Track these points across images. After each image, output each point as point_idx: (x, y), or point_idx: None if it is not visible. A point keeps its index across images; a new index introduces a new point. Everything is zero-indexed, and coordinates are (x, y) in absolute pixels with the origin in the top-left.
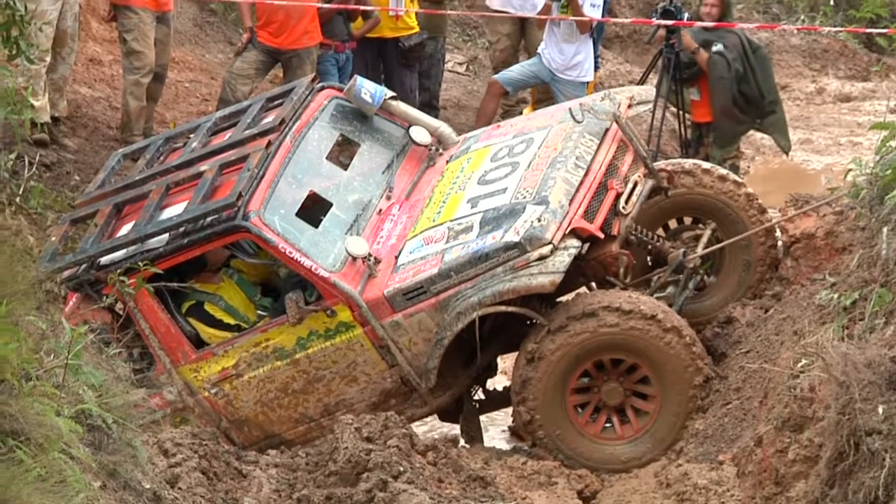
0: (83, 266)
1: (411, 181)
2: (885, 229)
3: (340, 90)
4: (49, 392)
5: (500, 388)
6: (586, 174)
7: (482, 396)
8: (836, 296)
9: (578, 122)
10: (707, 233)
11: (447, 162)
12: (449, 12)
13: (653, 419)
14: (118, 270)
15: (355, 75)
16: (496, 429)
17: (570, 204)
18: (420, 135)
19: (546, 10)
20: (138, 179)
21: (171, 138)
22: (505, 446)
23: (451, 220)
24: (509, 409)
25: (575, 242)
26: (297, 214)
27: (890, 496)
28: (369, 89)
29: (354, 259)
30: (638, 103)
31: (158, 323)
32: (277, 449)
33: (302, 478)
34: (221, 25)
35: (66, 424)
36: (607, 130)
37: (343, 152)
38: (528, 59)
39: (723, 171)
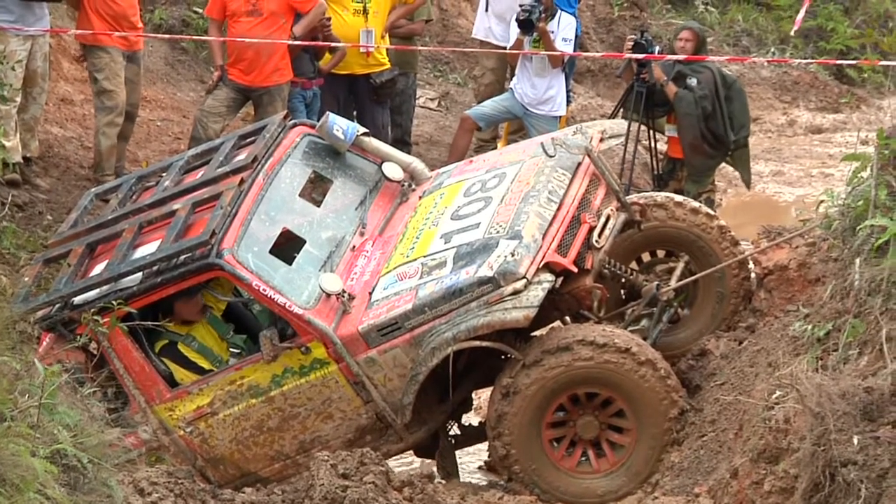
0: (56, 306)
1: (384, 217)
2: (857, 260)
3: (312, 127)
4: (24, 432)
5: (475, 423)
6: (559, 208)
7: (458, 431)
8: (809, 327)
9: (551, 157)
10: (680, 265)
11: (420, 197)
12: (420, 48)
13: (628, 452)
14: (91, 310)
15: (327, 112)
16: (472, 464)
17: (543, 238)
18: (393, 171)
19: (518, 45)
20: (111, 219)
21: (143, 177)
22: (481, 481)
23: (424, 256)
24: (485, 444)
25: (549, 277)
26: (271, 252)
27: None
28: (341, 126)
29: (328, 296)
30: (609, 137)
31: (132, 362)
32: (253, 487)
33: None
34: (192, 64)
35: (41, 465)
36: (579, 164)
37: (316, 189)
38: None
39: (695, 204)
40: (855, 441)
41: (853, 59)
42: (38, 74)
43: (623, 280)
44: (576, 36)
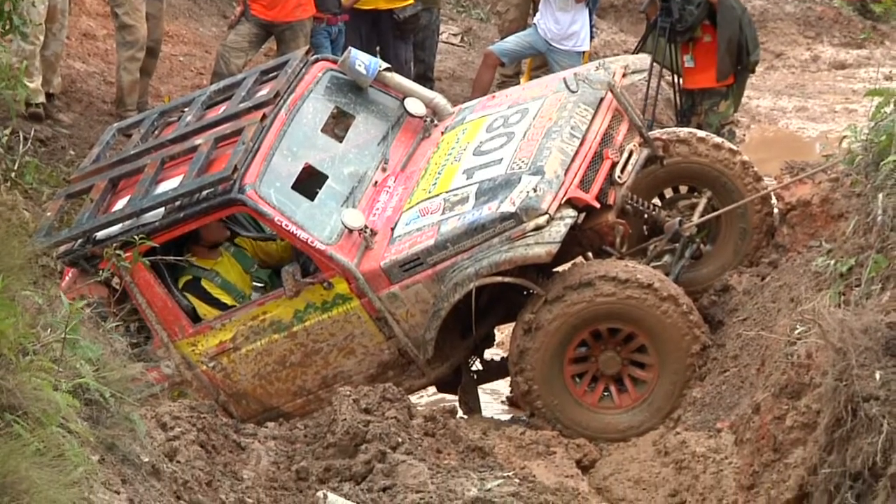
0: (79, 241)
1: (407, 153)
2: (880, 195)
3: (335, 62)
4: (46, 367)
5: (497, 359)
6: (581, 144)
7: (480, 367)
8: (832, 262)
9: (573, 92)
10: (703, 201)
11: (442, 133)
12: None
13: (650, 388)
14: (114, 245)
15: (349, 47)
16: (495, 399)
17: (565, 174)
18: (415, 106)
19: None
20: (133, 154)
21: (165, 112)
22: (503, 417)
23: (446, 192)
24: (507, 380)
25: (571, 212)
26: (293, 187)
27: (888, 461)
28: (364, 61)
29: (350, 231)
30: (633, 72)
31: (155, 297)
32: (276, 422)
33: (300, 450)
34: None
35: (63, 399)
36: (602, 100)
37: (338, 125)
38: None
39: (718, 140)
40: (877, 376)
41: None
42: (58, 10)
43: (645, 216)
44: None
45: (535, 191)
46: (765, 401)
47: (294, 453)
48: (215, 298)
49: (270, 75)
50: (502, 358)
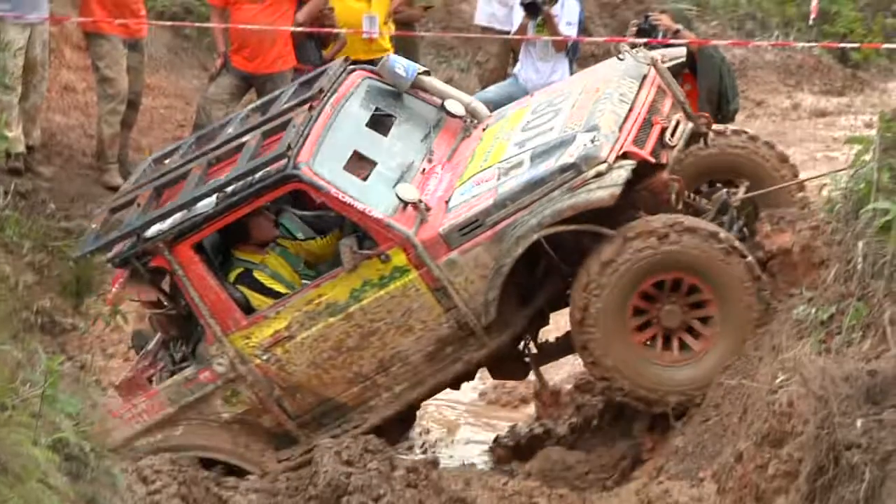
0: (129, 241)
1: (450, 148)
2: (860, 243)
3: (372, 71)
4: (25, 422)
5: (552, 340)
6: (631, 109)
7: (535, 350)
8: (813, 310)
9: (621, 61)
10: (742, 189)
11: (483, 130)
12: (423, 34)
13: (711, 343)
14: (168, 236)
15: (387, 53)
16: (478, 447)
17: (619, 130)
18: (455, 107)
19: (522, 29)
20: (176, 167)
21: (202, 137)
22: (486, 466)
23: (499, 162)
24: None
25: (630, 161)
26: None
27: None
28: (402, 64)
29: (406, 205)
30: (670, 59)
31: (208, 290)
32: (331, 415)
33: (282, 502)
34: (195, 51)
35: (43, 454)
36: (645, 77)
37: (378, 128)
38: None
39: (752, 132)
40: (858, 424)
41: (857, 43)
42: (37, 62)
43: (686, 203)
44: (579, 20)
45: (592, 141)
46: (747, 449)
47: None
48: (269, 288)
49: (308, 86)
50: (557, 338)
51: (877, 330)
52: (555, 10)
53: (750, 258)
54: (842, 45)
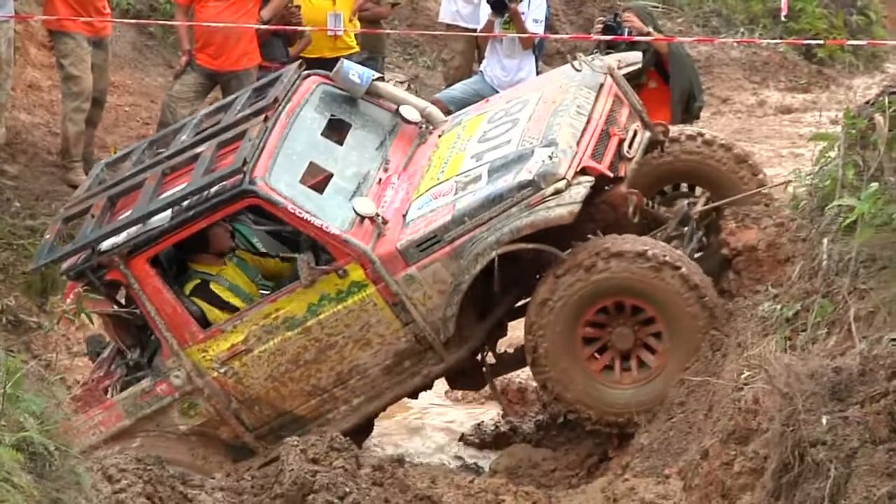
0: (84, 254)
1: (406, 155)
2: (825, 240)
3: (326, 77)
4: None
5: (511, 350)
6: (588, 122)
7: (493, 360)
8: (778, 307)
9: (578, 71)
10: (703, 198)
11: (439, 136)
12: (388, 31)
13: (656, 371)
14: (123, 249)
15: (341, 59)
16: (444, 445)
17: (577, 145)
18: (410, 113)
19: (489, 26)
20: (130, 174)
21: (154, 142)
22: (451, 464)
23: (456, 175)
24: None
25: (588, 178)
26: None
27: None
28: (357, 71)
29: (362, 220)
30: (626, 65)
31: (164, 304)
32: (289, 428)
33: (248, 501)
34: (160, 49)
35: (7, 453)
36: (602, 85)
37: (334, 135)
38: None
39: (710, 136)
40: (823, 421)
41: (822, 40)
42: (2, 60)
43: (644, 213)
44: (546, 17)
45: (550, 158)
46: (713, 446)
47: None
48: (225, 301)
49: (263, 93)
50: (516, 349)
51: (842, 327)
52: (521, 7)
53: (684, 269)
54: (807, 41)
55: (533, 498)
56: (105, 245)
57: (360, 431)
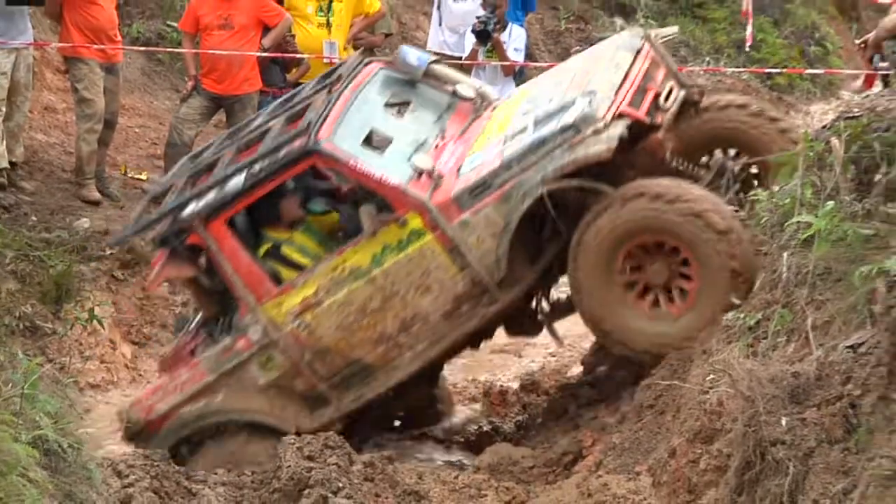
0: (167, 221)
1: (462, 127)
2: (785, 254)
3: (387, 62)
4: (7, 420)
5: (563, 297)
6: (625, 77)
7: (546, 307)
8: (741, 316)
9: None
10: (741, 160)
11: (492, 110)
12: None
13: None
14: (202, 213)
15: (401, 45)
16: (431, 444)
17: (615, 95)
18: (467, 90)
19: (473, 55)
20: (209, 156)
21: (233, 133)
22: (438, 461)
23: (505, 131)
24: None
25: (626, 120)
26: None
27: (794, 503)
28: (415, 54)
29: (420, 174)
30: (662, 37)
31: (241, 263)
32: (359, 376)
33: (248, 495)
34: (168, 74)
35: (23, 450)
36: (639, 50)
37: (395, 113)
38: None
39: (757, 107)
40: (783, 422)
41: (782, 68)
42: (21, 85)
43: (679, 172)
44: (525, 46)
45: (590, 104)
46: (680, 445)
47: (242, 498)
48: (296, 262)
49: (327, 81)
50: (568, 297)
51: (800, 335)
52: (503, 37)
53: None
54: (768, 70)
55: (513, 493)
56: (186, 212)
57: (428, 380)
